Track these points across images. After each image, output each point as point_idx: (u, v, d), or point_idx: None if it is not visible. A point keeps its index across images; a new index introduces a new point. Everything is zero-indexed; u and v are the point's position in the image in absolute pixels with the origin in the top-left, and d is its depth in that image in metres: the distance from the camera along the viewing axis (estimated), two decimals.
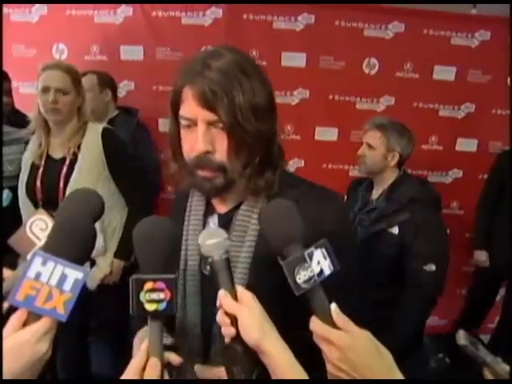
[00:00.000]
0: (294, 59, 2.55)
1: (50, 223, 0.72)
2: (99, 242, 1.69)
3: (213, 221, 0.87)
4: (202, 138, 0.74)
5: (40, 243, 0.70)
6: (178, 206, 0.94)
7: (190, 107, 0.74)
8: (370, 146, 1.80)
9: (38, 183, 1.68)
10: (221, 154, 0.76)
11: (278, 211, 0.69)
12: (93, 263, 1.74)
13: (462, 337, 0.85)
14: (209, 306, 0.83)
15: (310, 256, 0.64)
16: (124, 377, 0.62)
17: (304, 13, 2.50)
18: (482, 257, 2.46)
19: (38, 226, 0.72)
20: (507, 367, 0.83)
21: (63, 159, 1.69)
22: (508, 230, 2.30)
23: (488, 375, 0.84)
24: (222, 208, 0.87)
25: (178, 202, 0.95)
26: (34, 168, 1.71)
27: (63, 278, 0.59)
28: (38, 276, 0.58)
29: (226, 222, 0.85)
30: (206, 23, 2.52)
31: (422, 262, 1.62)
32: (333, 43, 2.52)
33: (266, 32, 2.52)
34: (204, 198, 0.89)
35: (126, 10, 2.51)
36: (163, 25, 2.52)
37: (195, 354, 0.84)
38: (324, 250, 0.65)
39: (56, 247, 0.60)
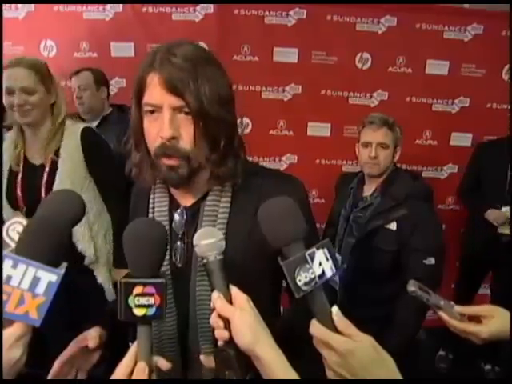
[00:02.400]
0: (286, 54, 2.53)
1: None
2: (90, 250, 1.59)
3: (179, 214, 0.86)
4: (168, 123, 0.73)
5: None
6: (138, 203, 0.92)
7: (155, 93, 0.74)
8: (383, 146, 1.75)
9: (19, 192, 1.53)
10: (186, 140, 0.75)
11: (278, 208, 0.65)
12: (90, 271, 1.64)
13: (411, 284, 0.85)
14: (182, 299, 0.83)
15: (312, 257, 0.61)
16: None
17: (296, 8, 2.48)
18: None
19: (15, 229, 0.69)
20: (458, 310, 0.86)
21: (43, 166, 1.55)
22: (483, 219, 2.33)
23: (443, 315, 0.86)
24: (186, 201, 0.86)
25: (138, 199, 0.94)
26: (12, 174, 1.56)
27: (36, 281, 0.56)
28: (8, 279, 0.55)
29: (192, 215, 0.85)
30: (196, 19, 2.49)
31: (422, 257, 1.61)
32: (325, 38, 2.51)
33: (258, 27, 2.49)
34: (167, 192, 0.88)
35: (115, 6, 2.47)
36: (154, 21, 2.49)
37: (173, 357, 0.83)
38: (326, 251, 0.62)
39: (27, 249, 0.58)
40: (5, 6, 2.40)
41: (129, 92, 2.60)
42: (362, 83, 2.59)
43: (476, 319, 0.85)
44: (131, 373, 0.61)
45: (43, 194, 1.52)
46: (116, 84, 2.54)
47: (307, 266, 0.60)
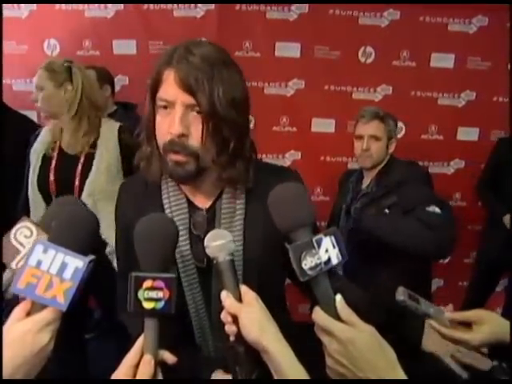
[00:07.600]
0: (289, 49, 2.52)
1: (35, 231, 0.70)
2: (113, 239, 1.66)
3: (199, 216, 0.86)
4: (178, 120, 0.74)
5: (24, 250, 0.69)
6: (145, 201, 0.89)
7: (170, 89, 0.75)
8: (375, 138, 1.78)
9: (52, 178, 1.63)
10: (195, 138, 0.76)
11: (287, 194, 0.67)
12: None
13: (400, 292, 0.83)
14: (207, 298, 0.85)
15: (319, 243, 0.61)
16: (117, 373, 0.61)
17: (297, 2, 2.47)
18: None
19: (22, 233, 0.70)
20: (448, 316, 0.84)
21: (78, 156, 1.66)
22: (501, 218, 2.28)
23: (433, 324, 0.84)
24: (202, 202, 0.87)
25: (143, 198, 0.90)
26: (45, 161, 1.66)
27: (63, 266, 0.58)
28: (38, 264, 0.57)
29: (210, 216, 0.86)
30: (198, 15, 2.49)
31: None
32: (327, 32, 2.50)
33: (260, 22, 2.49)
34: (183, 193, 0.87)
35: (117, 4, 2.47)
36: (155, 17, 2.49)
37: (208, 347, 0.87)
38: (333, 238, 0.63)
39: (59, 240, 0.60)
40: (7, 6, 2.39)
41: (131, 89, 2.59)
42: (366, 78, 2.58)
43: (466, 324, 0.84)
44: (137, 365, 0.61)
45: (76, 182, 1.63)
46: (118, 82, 2.53)
47: (313, 251, 0.61)
